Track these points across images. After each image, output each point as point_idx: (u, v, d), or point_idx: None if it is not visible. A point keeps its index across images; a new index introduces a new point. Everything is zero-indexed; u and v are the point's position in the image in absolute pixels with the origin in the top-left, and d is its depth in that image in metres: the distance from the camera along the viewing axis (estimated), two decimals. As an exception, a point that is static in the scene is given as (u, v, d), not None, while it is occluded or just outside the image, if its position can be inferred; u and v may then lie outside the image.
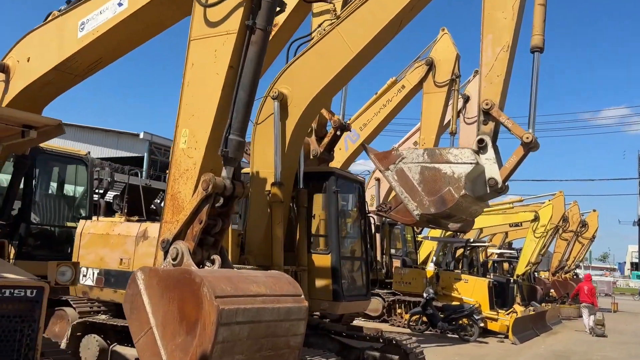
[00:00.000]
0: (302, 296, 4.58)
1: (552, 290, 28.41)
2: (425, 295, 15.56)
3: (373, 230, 20.26)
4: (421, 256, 23.13)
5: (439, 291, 17.36)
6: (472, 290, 16.94)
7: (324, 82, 7.59)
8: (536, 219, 23.25)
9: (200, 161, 4.96)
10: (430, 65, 13.74)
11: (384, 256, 20.94)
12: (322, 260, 8.43)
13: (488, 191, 6.47)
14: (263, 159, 8.00)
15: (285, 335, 4.32)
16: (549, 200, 23.72)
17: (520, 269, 23.45)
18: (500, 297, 19.11)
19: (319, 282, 8.36)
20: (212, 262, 4.76)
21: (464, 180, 6.33)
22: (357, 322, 17.23)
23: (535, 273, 27.76)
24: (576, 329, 20.44)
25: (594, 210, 33.64)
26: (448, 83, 13.33)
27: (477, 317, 14.76)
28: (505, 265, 26.06)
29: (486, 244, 21.28)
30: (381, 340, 8.52)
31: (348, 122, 10.53)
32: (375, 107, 14.41)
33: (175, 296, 4.10)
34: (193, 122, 5.08)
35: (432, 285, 16.33)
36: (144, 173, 31.22)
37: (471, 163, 6.38)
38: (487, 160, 6.49)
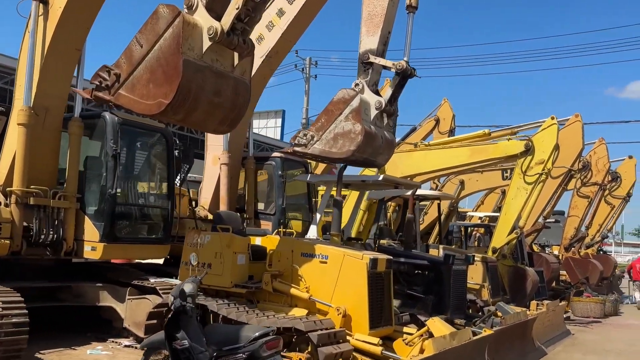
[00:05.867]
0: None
1: (562, 273, 18.26)
2: (170, 300, 5.78)
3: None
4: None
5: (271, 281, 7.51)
6: (336, 281, 7.06)
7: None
8: (528, 151, 13.03)
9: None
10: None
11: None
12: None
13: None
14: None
15: None
16: (552, 119, 13.46)
17: (499, 239, 13.23)
18: (432, 291, 9.21)
19: None
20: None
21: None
22: None
23: (535, 245, 17.68)
24: (600, 349, 10.46)
25: (630, 157, 23.43)
26: None
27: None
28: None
29: (432, 192, 11.21)
30: None
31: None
32: None
33: None
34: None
35: (196, 270, 6.52)
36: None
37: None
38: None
